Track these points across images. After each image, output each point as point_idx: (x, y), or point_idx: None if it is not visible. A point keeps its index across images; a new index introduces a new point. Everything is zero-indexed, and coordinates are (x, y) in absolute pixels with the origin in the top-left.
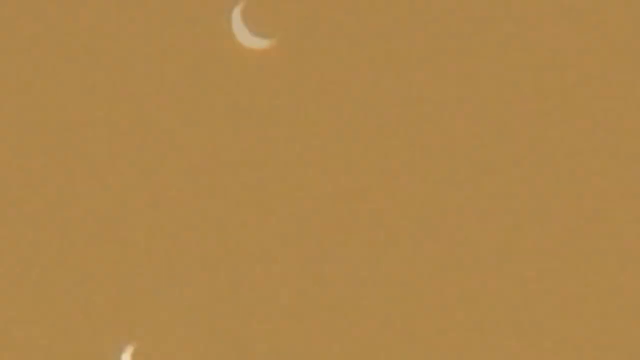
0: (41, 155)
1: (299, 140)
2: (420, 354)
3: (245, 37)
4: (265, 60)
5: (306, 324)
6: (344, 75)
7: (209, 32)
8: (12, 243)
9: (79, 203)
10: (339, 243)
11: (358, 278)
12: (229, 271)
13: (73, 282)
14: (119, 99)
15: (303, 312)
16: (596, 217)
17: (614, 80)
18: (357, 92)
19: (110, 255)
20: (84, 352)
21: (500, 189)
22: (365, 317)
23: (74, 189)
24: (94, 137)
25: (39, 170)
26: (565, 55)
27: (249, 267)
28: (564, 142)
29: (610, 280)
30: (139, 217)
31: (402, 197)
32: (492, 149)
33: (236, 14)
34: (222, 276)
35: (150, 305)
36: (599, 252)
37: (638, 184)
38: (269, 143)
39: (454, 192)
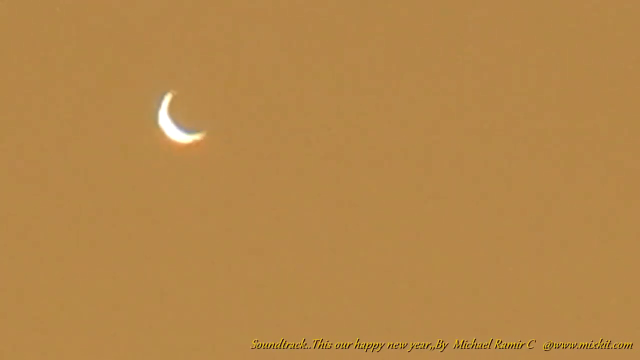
0: None
1: (227, 234)
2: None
3: (173, 132)
4: (192, 154)
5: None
6: (271, 168)
7: (136, 128)
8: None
9: None
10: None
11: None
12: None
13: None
14: (45, 198)
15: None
16: (596, 217)
17: (613, 81)
18: (285, 183)
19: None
20: None
21: (499, 189)
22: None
23: None
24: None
25: None
26: (565, 56)
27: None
28: (564, 142)
29: (610, 280)
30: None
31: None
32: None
33: (163, 110)
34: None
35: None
36: (599, 252)
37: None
38: (197, 238)
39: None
